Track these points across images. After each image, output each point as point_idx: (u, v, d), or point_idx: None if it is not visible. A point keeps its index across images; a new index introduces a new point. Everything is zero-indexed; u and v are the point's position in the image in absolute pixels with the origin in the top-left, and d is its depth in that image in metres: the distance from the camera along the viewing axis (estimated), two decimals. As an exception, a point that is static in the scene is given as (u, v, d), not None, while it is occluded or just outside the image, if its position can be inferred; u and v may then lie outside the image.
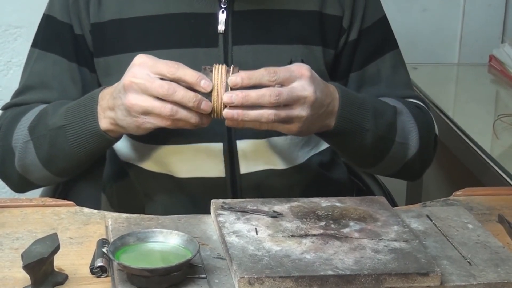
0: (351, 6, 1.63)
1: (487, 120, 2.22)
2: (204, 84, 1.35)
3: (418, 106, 1.68)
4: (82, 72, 1.62)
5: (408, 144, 1.60)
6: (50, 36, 1.62)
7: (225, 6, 1.56)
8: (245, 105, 1.35)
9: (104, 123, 1.45)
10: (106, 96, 1.44)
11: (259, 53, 1.58)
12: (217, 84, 1.37)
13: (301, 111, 1.39)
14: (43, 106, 1.56)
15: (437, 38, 2.85)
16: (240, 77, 1.36)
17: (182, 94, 1.34)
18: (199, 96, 1.35)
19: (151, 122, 1.38)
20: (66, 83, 1.61)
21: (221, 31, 1.56)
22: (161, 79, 1.36)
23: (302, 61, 1.58)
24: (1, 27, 2.62)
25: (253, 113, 1.36)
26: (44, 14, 1.64)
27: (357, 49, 1.66)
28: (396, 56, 1.71)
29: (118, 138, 1.50)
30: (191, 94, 1.34)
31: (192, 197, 1.57)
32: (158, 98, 1.35)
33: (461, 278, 1.21)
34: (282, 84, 1.38)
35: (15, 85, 1.70)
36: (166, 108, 1.35)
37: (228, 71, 1.38)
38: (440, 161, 2.22)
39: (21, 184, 1.61)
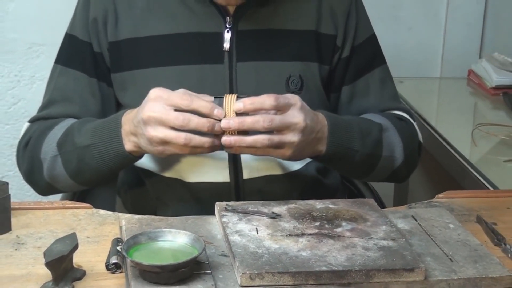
0: (344, 26, 1.63)
1: (467, 129, 2.21)
2: (217, 112, 1.36)
3: (402, 118, 1.67)
4: (101, 86, 1.61)
5: (394, 156, 1.60)
6: (72, 53, 1.62)
7: (230, 26, 1.56)
8: (241, 129, 1.36)
9: (128, 146, 1.45)
10: (128, 122, 1.44)
11: (261, 69, 1.57)
12: (228, 111, 1.37)
13: (292, 137, 1.39)
14: (69, 121, 1.56)
15: (421, 54, 2.86)
16: (243, 102, 1.36)
17: (196, 122, 1.35)
18: (212, 120, 1.35)
19: (171, 150, 1.39)
20: (86, 97, 1.60)
21: (226, 49, 1.56)
22: (176, 109, 1.36)
23: (300, 77, 1.58)
24: (26, 45, 2.62)
25: (249, 139, 1.37)
26: (66, 33, 1.64)
27: (349, 64, 1.65)
28: (384, 71, 1.71)
29: (140, 157, 1.50)
30: (204, 120, 1.35)
31: (199, 200, 1.56)
32: (175, 128, 1.36)
33: (443, 273, 1.20)
34: (278, 111, 1.38)
35: (38, 97, 1.70)
36: (181, 138, 1.35)
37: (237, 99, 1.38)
38: (424, 167, 2.21)
39: (47, 190, 1.61)
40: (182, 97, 1.36)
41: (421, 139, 1.71)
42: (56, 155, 1.52)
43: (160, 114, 1.35)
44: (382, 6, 2.73)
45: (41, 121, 1.60)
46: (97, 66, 1.60)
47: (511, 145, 2.10)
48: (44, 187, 1.59)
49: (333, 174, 1.70)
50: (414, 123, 1.70)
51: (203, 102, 1.36)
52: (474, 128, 2.20)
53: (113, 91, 1.61)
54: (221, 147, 1.39)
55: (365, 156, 1.54)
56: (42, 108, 1.63)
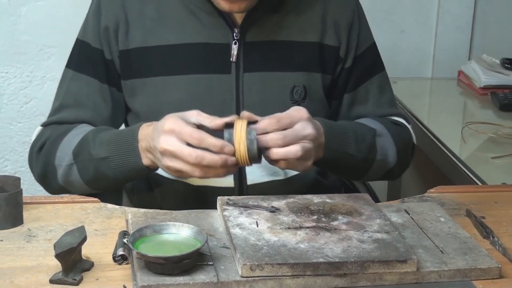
0: (347, 38, 1.61)
1: (456, 127, 2.21)
2: (227, 150, 1.30)
3: (397, 123, 1.66)
4: (112, 92, 1.58)
5: (387, 159, 1.59)
6: (84, 59, 1.59)
7: (237, 38, 1.53)
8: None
9: (146, 161, 1.41)
10: (145, 139, 1.40)
11: (266, 79, 1.55)
12: (239, 137, 1.32)
13: (308, 145, 1.36)
14: (83, 127, 1.53)
15: (413, 56, 2.85)
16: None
17: (208, 159, 1.29)
18: (223, 157, 1.30)
19: (187, 175, 1.34)
20: (98, 102, 1.58)
21: (233, 60, 1.54)
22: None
23: (304, 87, 1.57)
24: (38, 47, 2.62)
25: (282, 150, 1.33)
26: (78, 39, 1.61)
27: (351, 74, 1.63)
28: (383, 78, 1.69)
29: (156, 169, 1.45)
30: (216, 157, 1.29)
31: (205, 204, 1.53)
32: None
33: (434, 264, 1.20)
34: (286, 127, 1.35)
35: (49, 97, 1.68)
36: (196, 172, 1.31)
37: (248, 125, 1.33)
38: (416, 163, 2.20)
39: (59, 192, 1.57)
40: (192, 135, 1.31)
41: (415, 141, 1.70)
42: (71, 163, 1.49)
43: (174, 149, 1.31)
44: (376, 10, 2.73)
45: (55, 126, 1.57)
46: (108, 72, 1.58)
47: (498, 142, 2.10)
48: (57, 190, 1.56)
49: (331, 175, 1.69)
50: (409, 126, 1.70)
51: (213, 140, 1.30)
52: (464, 126, 2.19)
53: (122, 96, 1.59)
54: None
55: (360, 160, 1.53)
56: (54, 112, 1.60)
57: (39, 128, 1.61)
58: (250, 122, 1.34)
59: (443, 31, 2.83)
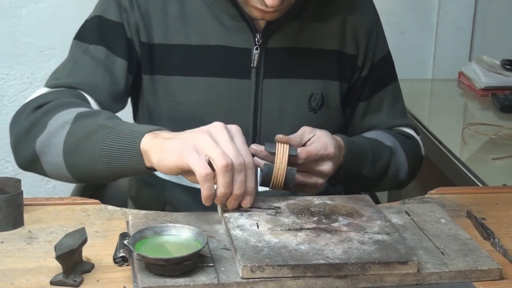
0: (365, 46, 1.61)
1: (457, 128, 2.21)
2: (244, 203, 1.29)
3: (408, 136, 1.67)
4: (130, 69, 1.52)
5: (398, 176, 1.61)
6: (102, 33, 1.51)
7: (259, 43, 1.52)
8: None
9: (145, 142, 1.29)
10: (169, 134, 1.30)
11: (285, 86, 1.54)
12: (280, 161, 1.34)
13: (316, 179, 1.42)
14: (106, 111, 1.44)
15: (413, 57, 2.86)
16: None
17: (223, 192, 1.24)
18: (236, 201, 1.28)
19: (182, 169, 1.25)
20: (113, 77, 1.50)
21: (254, 65, 1.52)
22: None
23: (322, 95, 1.57)
24: (38, 48, 2.62)
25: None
26: (96, 15, 1.53)
27: (367, 82, 1.64)
28: (396, 87, 1.69)
29: (138, 169, 1.33)
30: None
31: (210, 208, 1.51)
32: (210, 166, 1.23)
33: (435, 266, 1.20)
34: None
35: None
36: (219, 159, 1.21)
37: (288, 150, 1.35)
38: (417, 164, 2.20)
39: (28, 162, 1.46)
40: (242, 154, 1.24)
41: (423, 153, 1.71)
42: (67, 123, 1.38)
43: (224, 139, 1.24)
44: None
45: (67, 90, 1.48)
46: (128, 49, 1.52)
47: (499, 143, 2.10)
48: (27, 157, 1.45)
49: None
50: (418, 138, 1.70)
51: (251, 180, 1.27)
52: (464, 127, 2.19)
53: (132, 77, 1.54)
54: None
55: (371, 178, 1.55)
56: (65, 77, 1.51)
57: (45, 88, 1.51)
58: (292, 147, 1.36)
59: (444, 32, 2.83)
